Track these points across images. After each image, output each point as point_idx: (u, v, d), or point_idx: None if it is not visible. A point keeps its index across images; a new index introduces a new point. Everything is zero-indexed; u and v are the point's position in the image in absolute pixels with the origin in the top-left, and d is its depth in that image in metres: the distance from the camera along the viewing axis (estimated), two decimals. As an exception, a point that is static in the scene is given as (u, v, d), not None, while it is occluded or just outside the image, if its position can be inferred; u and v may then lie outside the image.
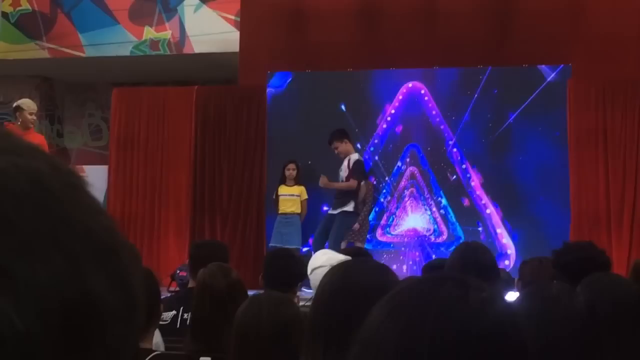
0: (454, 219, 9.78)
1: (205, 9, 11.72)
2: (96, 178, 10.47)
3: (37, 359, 0.53)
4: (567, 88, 9.41)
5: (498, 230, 9.65)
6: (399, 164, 9.95)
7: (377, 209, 9.91)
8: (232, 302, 3.68)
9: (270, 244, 9.45)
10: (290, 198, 9.52)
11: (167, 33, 11.85)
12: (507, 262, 9.36)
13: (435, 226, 9.83)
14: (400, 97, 10.02)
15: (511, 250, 9.55)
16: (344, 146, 9.33)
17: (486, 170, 9.76)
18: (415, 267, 9.51)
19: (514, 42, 9.73)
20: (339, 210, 9.23)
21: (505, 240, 9.61)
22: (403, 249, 9.85)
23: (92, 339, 0.57)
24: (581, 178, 9.25)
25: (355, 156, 9.33)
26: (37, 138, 9.01)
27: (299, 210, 9.53)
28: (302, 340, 2.65)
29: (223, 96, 10.51)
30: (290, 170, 9.58)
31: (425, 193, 9.89)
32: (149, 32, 11.91)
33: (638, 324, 2.55)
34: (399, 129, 10.00)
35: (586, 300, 2.06)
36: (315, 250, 8.74)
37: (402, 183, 9.96)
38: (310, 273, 3.66)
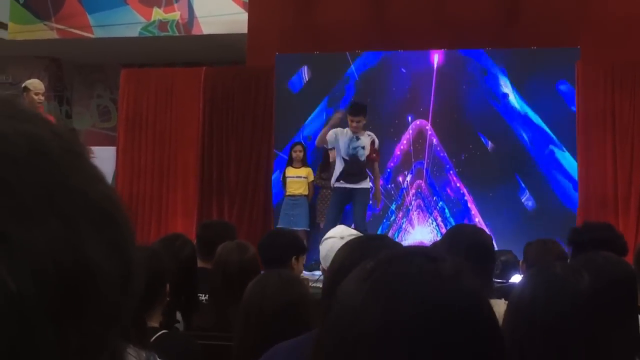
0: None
1: (213, -10, 11.69)
2: (104, 159, 10.48)
3: (30, 321, 0.54)
4: (576, 70, 9.37)
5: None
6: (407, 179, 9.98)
7: (384, 220, 9.95)
8: (243, 280, 3.70)
9: (278, 226, 9.45)
10: (298, 180, 9.51)
11: (176, 14, 11.83)
12: None
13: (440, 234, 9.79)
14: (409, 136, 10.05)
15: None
16: (362, 122, 8.78)
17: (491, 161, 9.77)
18: None
19: (523, 24, 9.69)
20: (361, 186, 8.77)
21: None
22: None
23: (87, 304, 0.57)
24: (589, 161, 9.22)
25: (376, 138, 9.05)
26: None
27: (306, 192, 9.53)
28: (309, 318, 2.66)
29: (231, 77, 10.49)
30: (297, 152, 9.57)
31: (431, 202, 9.88)
32: (158, 13, 11.89)
33: (632, 302, 2.56)
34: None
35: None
36: (327, 225, 8.70)
37: (409, 197, 9.96)
38: (321, 243, 3.68)
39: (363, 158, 8.81)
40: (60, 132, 0.62)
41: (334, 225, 8.73)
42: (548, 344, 1.92)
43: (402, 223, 9.94)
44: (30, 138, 0.58)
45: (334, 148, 8.91)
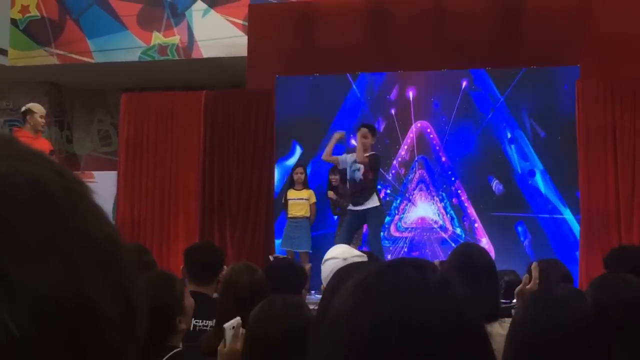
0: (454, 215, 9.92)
1: (213, 13, 11.74)
2: (105, 184, 10.49)
3: None
4: (576, 88, 9.38)
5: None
6: (410, 176, 10.05)
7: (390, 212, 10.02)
8: (254, 303, 3.68)
9: (281, 248, 9.45)
10: (299, 202, 9.50)
11: (176, 38, 11.88)
12: None
13: (442, 221, 9.91)
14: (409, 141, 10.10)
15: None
16: (369, 137, 8.92)
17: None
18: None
19: (522, 43, 9.71)
20: (369, 206, 8.83)
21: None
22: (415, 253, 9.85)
23: (89, 346, 0.56)
24: (591, 178, 9.20)
25: (372, 153, 9.13)
26: (42, 143, 9.03)
27: (308, 214, 9.51)
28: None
29: (231, 100, 10.51)
30: (299, 174, 9.57)
31: (431, 187, 9.96)
32: (157, 38, 11.94)
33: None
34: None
35: (598, 301, 2.06)
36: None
37: (412, 185, 10.02)
38: (323, 264, 3.64)
39: (359, 179, 8.92)
40: (61, 172, 0.61)
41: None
42: None
43: (405, 201, 10.04)
44: (32, 178, 0.58)
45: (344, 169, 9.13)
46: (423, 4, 10.11)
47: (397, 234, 9.94)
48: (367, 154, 8.88)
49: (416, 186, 10.01)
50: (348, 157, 9.07)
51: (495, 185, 9.82)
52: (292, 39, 10.34)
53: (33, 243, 0.55)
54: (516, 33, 9.78)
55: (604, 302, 2.15)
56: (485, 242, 9.60)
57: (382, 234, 9.49)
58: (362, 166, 8.91)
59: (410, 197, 10.01)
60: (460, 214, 9.94)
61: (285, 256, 7.04)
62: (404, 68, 10.05)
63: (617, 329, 2.24)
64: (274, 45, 10.35)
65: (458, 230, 9.85)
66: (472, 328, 1.12)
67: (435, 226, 9.92)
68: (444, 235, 9.87)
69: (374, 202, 8.88)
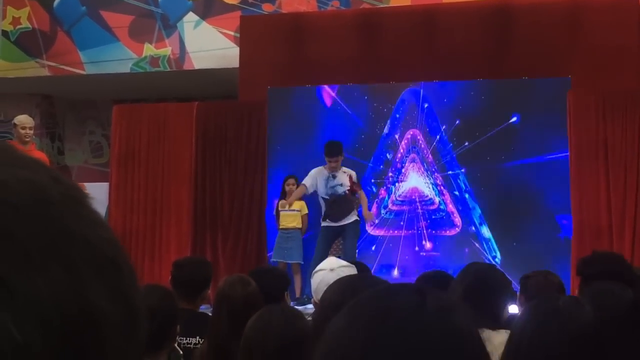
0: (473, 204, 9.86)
1: (204, 25, 11.76)
2: (97, 195, 10.37)
3: None
4: (567, 100, 9.40)
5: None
6: (402, 145, 10.05)
7: (374, 190, 10.08)
8: (248, 315, 3.65)
9: (272, 259, 9.44)
10: (291, 213, 9.49)
11: (167, 49, 11.88)
12: None
13: (440, 199, 9.87)
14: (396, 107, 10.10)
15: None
16: (340, 160, 9.16)
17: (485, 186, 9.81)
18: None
19: (513, 55, 9.75)
20: (348, 221, 9.07)
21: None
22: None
23: (91, 351, 0.56)
24: (582, 190, 9.21)
25: (353, 172, 9.24)
26: (38, 155, 9.05)
27: (299, 225, 9.50)
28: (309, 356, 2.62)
29: (223, 112, 10.51)
30: (290, 185, 9.56)
31: (429, 159, 9.96)
32: (149, 49, 11.94)
33: (637, 332, 2.54)
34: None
35: (600, 309, 2.05)
36: (315, 260, 8.73)
37: (401, 151, 10.04)
38: (312, 276, 3.65)
39: (343, 193, 9.01)
40: (59, 178, 0.61)
41: (322, 261, 8.83)
42: None
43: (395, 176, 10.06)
44: (31, 185, 0.58)
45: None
46: (415, 18, 10.15)
47: (376, 233, 9.96)
48: (352, 177, 9.01)
49: (407, 154, 9.99)
50: (317, 174, 9.19)
51: None
52: (284, 50, 10.36)
53: (34, 251, 0.55)
54: (507, 45, 9.82)
55: (604, 311, 2.14)
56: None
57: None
58: (344, 181, 9.02)
59: (400, 172, 10.00)
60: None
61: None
62: (396, 80, 10.07)
63: (617, 336, 2.24)
64: (266, 57, 10.37)
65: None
66: (472, 357, 1.08)
67: (431, 205, 9.85)
68: (448, 232, 9.85)
69: (353, 216, 9.03)
